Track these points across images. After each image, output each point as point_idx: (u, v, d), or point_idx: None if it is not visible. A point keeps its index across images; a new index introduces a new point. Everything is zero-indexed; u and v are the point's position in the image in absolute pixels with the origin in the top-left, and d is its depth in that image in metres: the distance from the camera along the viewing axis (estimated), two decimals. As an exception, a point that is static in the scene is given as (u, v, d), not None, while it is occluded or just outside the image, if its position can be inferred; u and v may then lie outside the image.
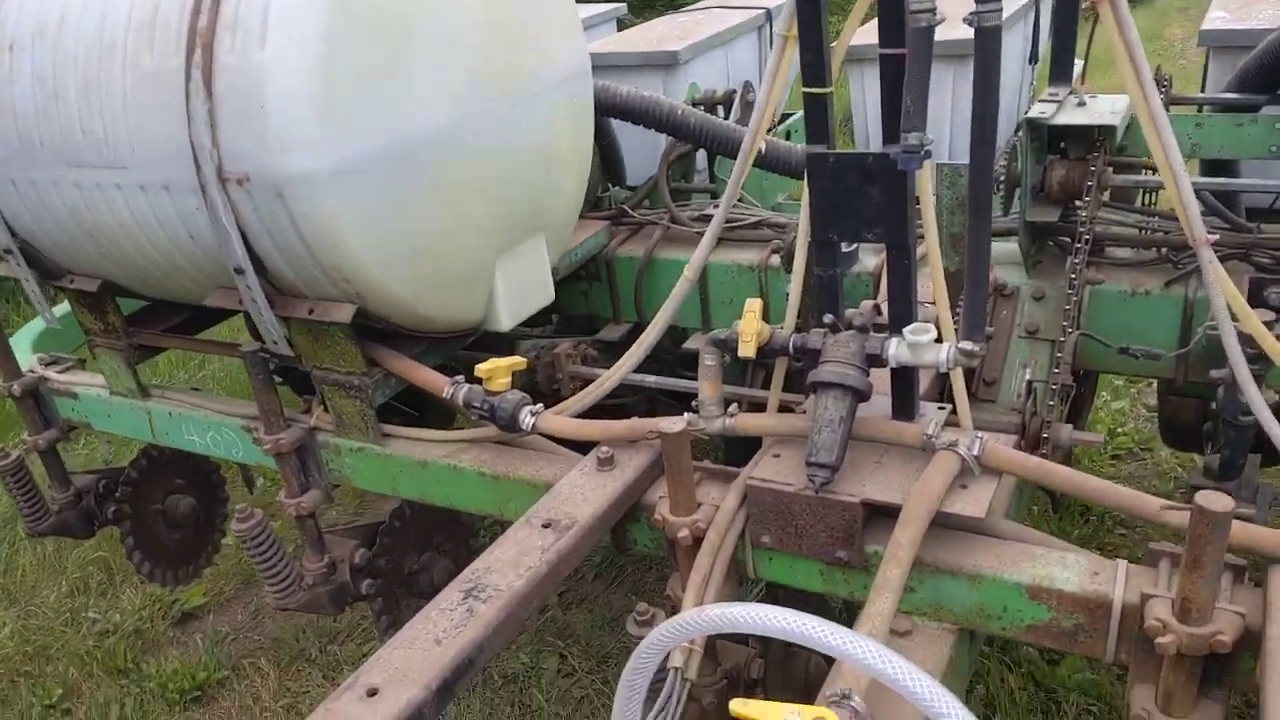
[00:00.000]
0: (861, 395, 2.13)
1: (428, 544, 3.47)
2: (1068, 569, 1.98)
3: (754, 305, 2.24)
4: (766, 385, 3.62)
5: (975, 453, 2.08)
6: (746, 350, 2.22)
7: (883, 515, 2.15)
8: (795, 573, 2.26)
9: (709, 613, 1.33)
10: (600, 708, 3.70)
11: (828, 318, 2.19)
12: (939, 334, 2.15)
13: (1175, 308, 2.82)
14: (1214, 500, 1.66)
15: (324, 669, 4.14)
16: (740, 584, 2.39)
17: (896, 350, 2.12)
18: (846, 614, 3.64)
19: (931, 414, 2.27)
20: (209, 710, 4.03)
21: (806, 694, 2.76)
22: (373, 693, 1.84)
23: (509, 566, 2.13)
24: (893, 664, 1.16)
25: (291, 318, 2.74)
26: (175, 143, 2.40)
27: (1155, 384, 5.58)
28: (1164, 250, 2.88)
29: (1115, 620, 1.88)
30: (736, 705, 1.67)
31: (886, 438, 2.21)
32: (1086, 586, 1.93)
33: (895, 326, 2.19)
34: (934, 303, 2.33)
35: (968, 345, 2.06)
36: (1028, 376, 2.76)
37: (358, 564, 3.20)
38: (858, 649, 1.16)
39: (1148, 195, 3.24)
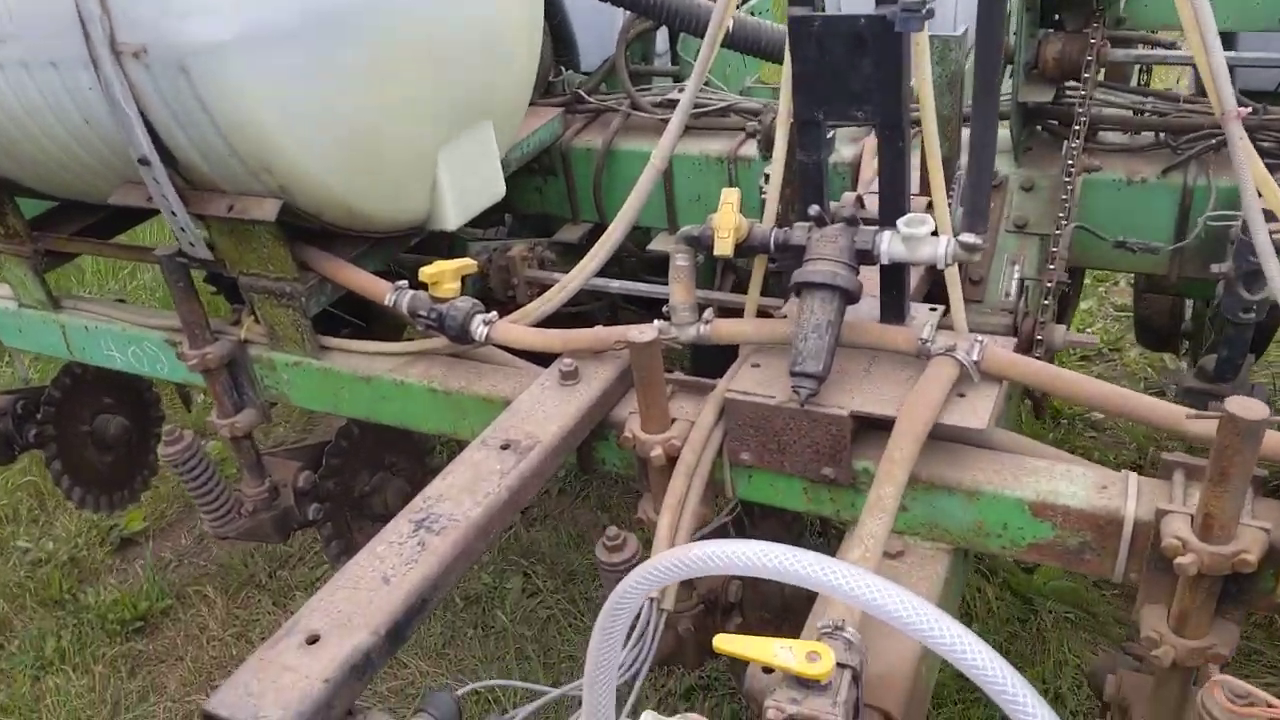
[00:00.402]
0: (851, 296, 1.92)
1: (379, 464, 3.26)
2: (1074, 483, 1.82)
3: (731, 195, 2.00)
4: (736, 290, 3.41)
5: (975, 358, 1.90)
6: (723, 248, 1.99)
7: (872, 428, 1.97)
8: (777, 491, 2.09)
9: (697, 553, 1.13)
10: (567, 627, 3.58)
11: (813, 209, 1.96)
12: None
13: (1172, 197, 2.63)
14: (1246, 407, 1.49)
15: (274, 595, 3.96)
16: (715, 502, 2.22)
17: (890, 245, 1.91)
18: (823, 533, 3.52)
19: (924, 316, 2.08)
20: (153, 640, 3.84)
21: (783, 615, 2.64)
22: (313, 640, 1.64)
23: (464, 493, 1.92)
24: (929, 618, 0.97)
25: (209, 216, 2.45)
26: (59, 9, 2.06)
27: (1123, 282, 5.48)
28: (1162, 134, 2.67)
29: (1126, 538, 1.73)
30: (721, 641, 1.52)
31: (876, 343, 2.01)
32: (1095, 502, 1.77)
33: (887, 219, 1.97)
34: (921, 193, 2.12)
35: (969, 238, 1.85)
36: (1017, 274, 2.57)
37: (302, 488, 2.99)
38: (891, 601, 0.96)
39: (1142, 74, 3.02)
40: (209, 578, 4.13)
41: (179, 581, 4.13)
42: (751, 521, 2.53)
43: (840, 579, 0.99)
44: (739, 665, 1.61)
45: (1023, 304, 2.39)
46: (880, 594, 0.97)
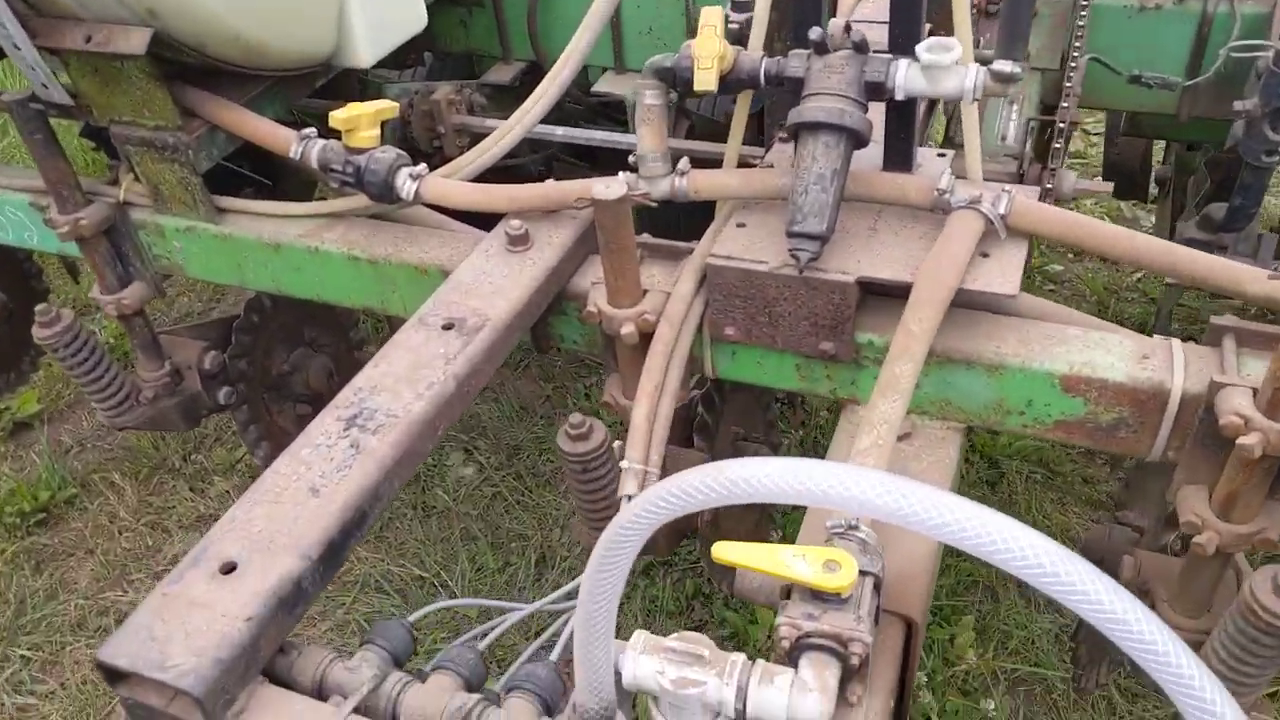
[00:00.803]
0: (860, 139, 1.62)
1: (297, 339, 2.93)
2: (1111, 353, 1.60)
3: (713, 15, 1.64)
4: (690, 137, 3.06)
5: (1002, 211, 1.62)
6: (706, 81, 1.64)
7: (875, 294, 1.71)
8: (765, 369, 1.83)
9: (731, 474, 0.87)
10: (514, 504, 3.36)
11: (815, 32, 1.62)
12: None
13: (1189, 25, 2.35)
14: (1340, 266, 1.26)
15: (190, 480, 3.64)
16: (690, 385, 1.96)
17: (908, 76, 1.59)
18: (788, 401, 3.32)
19: (935, 163, 1.79)
20: (57, 533, 3.51)
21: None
22: (229, 568, 1.36)
23: (403, 383, 1.61)
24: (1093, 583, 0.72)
25: (65, 50, 2.00)
26: None
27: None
28: (1181, -48, 2.37)
29: (1171, 413, 1.53)
30: (720, 550, 1.30)
31: (885, 196, 1.72)
32: (1136, 374, 1.56)
33: (900, 45, 1.65)
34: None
35: (1005, 66, 1.54)
36: (1015, 114, 2.29)
37: (209, 370, 2.65)
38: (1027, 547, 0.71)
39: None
40: (115, 463, 3.78)
41: (82, 468, 3.77)
42: (721, 396, 2.30)
43: (973, 524, 0.73)
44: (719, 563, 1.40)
45: (1029, 147, 2.12)
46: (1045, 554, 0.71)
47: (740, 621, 2.79)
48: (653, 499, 0.93)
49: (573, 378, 3.81)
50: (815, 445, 3.31)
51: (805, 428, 3.41)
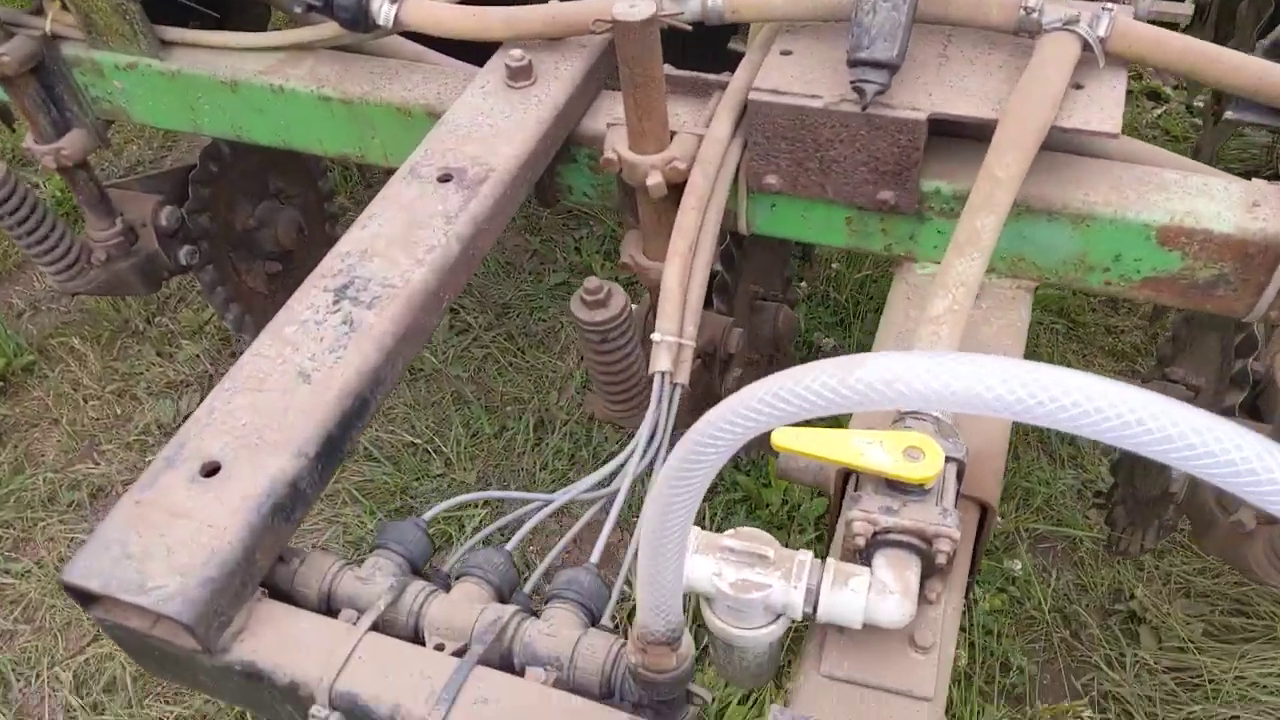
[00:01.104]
0: (939, -56, 1.35)
1: (262, 191, 2.65)
2: (1215, 200, 1.39)
3: None
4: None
5: (1101, 33, 1.38)
6: None
7: (940, 135, 1.48)
8: (809, 224, 1.60)
9: (867, 376, 0.66)
10: (507, 366, 3.17)
11: None
12: None
13: None
14: None
15: (155, 344, 3.40)
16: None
17: None
18: (805, 257, 3.09)
19: (1012, -24, 1.52)
20: (18, 403, 3.29)
21: (775, 349, 2.29)
22: (212, 470, 1.17)
23: (398, 247, 1.38)
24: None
25: None
26: None
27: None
28: None
29: (1284, 270, 1.35)
30: (781, 437, 1.16)
31: (961, 16, 1.45)
32: (1246, 225, 1.36)
33: None
34: None
35: None
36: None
37: (166, 226, 2.38)
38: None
39: None
40: (74, 327, 3.53)
41: (38, 333, 3.52)
42: (741, 251, 2.09)
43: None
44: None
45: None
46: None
47: (753, 485, 2.68)
48: (753, 402, 0.73)
49: (560, 230, 3.56)
50: (825, 300, 3.12)
51: (814, 282, 3.22)
